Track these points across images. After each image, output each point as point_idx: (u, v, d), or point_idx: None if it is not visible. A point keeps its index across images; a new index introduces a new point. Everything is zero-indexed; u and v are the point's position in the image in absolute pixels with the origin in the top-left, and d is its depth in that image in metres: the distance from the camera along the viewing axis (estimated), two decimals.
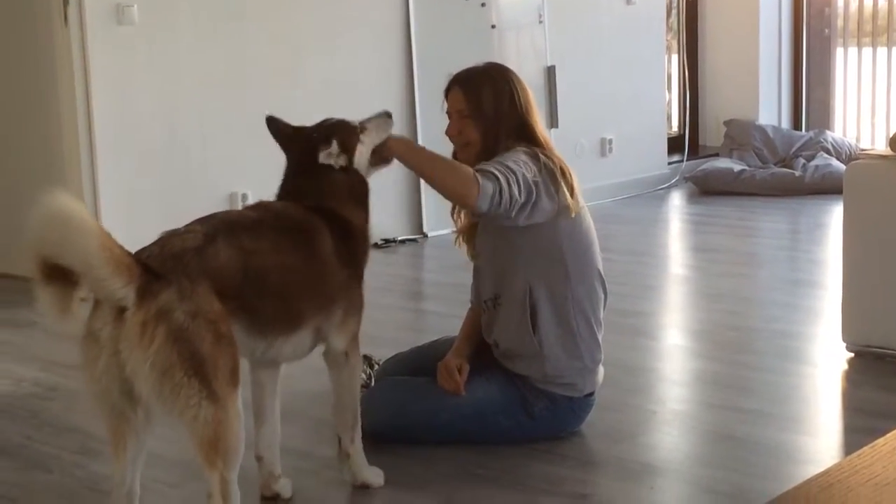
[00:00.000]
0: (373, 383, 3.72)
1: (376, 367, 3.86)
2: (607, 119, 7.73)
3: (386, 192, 6.56)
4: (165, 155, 5.46)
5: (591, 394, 3.47)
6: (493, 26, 6.92)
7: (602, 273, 3.46)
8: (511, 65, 3.34)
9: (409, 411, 3.41)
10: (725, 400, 3.81)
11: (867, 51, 8.77)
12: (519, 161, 3.24)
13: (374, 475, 3.18)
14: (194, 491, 3.19)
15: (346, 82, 6.28)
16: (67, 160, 5.46)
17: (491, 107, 3.36)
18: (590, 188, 7.41)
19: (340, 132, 3.10)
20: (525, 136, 3.37)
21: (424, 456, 3.34)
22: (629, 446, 3.43)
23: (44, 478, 3.31)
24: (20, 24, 5.64)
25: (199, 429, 2.63)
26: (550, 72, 7.15)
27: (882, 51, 8.68)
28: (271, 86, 5.98)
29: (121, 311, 2.57)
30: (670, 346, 4.66)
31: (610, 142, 7.77)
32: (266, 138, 3.26)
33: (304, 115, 6.21)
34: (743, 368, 4.17)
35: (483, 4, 6.85)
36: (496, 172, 3.14)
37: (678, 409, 3.79)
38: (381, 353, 3.93)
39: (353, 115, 3.07)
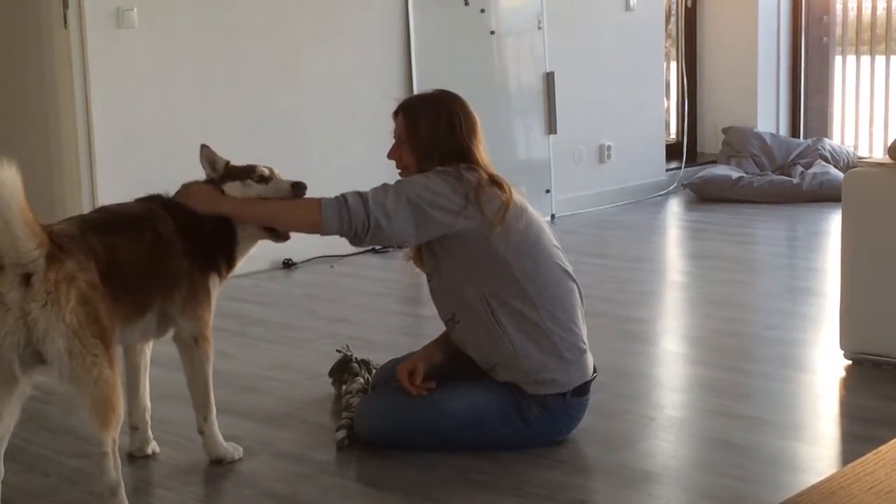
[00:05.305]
0: (370, 389, 3.71)
1: (374, 371, 3.85)
2: (606, 126, 7.74)
3: None
4: (165, 158, 5.45)
5: (583, 393, 3.46)
6: (492, 32, 6.91)
7: (565, 267, 3.44)
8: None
9: (407, 418, 3.41)
10: (723, 406, 3.81)
11: (865, 59, 8.79)
12: (414, 181, 3.33)
13: (231, 451, 3.35)
14: (191, 494, 3.19)
15: (346, 87, 6.28)
16: (66, 163, 5.46)
17: (427, 133, 3.42)
18: (588, 195, 7.45)
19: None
20: (464, 161, 3.40)
21: (422, 461, 3.33)
22: (627, 452, 3.42)
23: (41, 481, 3.30)
24: (20, 27, 5.64)
25: (99, 390, 2.79)
26: (549, 78, 7.15)
27: (880, 59, 8.70)
28: (271, 89, 5.98)
29: (26, 277, 2.71)
30: (668, 352, 4.66)
31: (608, 148, 7.78)
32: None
33: (302, 120, 6.23)
34: (741, 375, 4.17)
35: (482, 10, 6.85)
36: (349, 197, 3.27)
37: (676, 416, 3.79)
38: (379, 358, 3.92)
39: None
